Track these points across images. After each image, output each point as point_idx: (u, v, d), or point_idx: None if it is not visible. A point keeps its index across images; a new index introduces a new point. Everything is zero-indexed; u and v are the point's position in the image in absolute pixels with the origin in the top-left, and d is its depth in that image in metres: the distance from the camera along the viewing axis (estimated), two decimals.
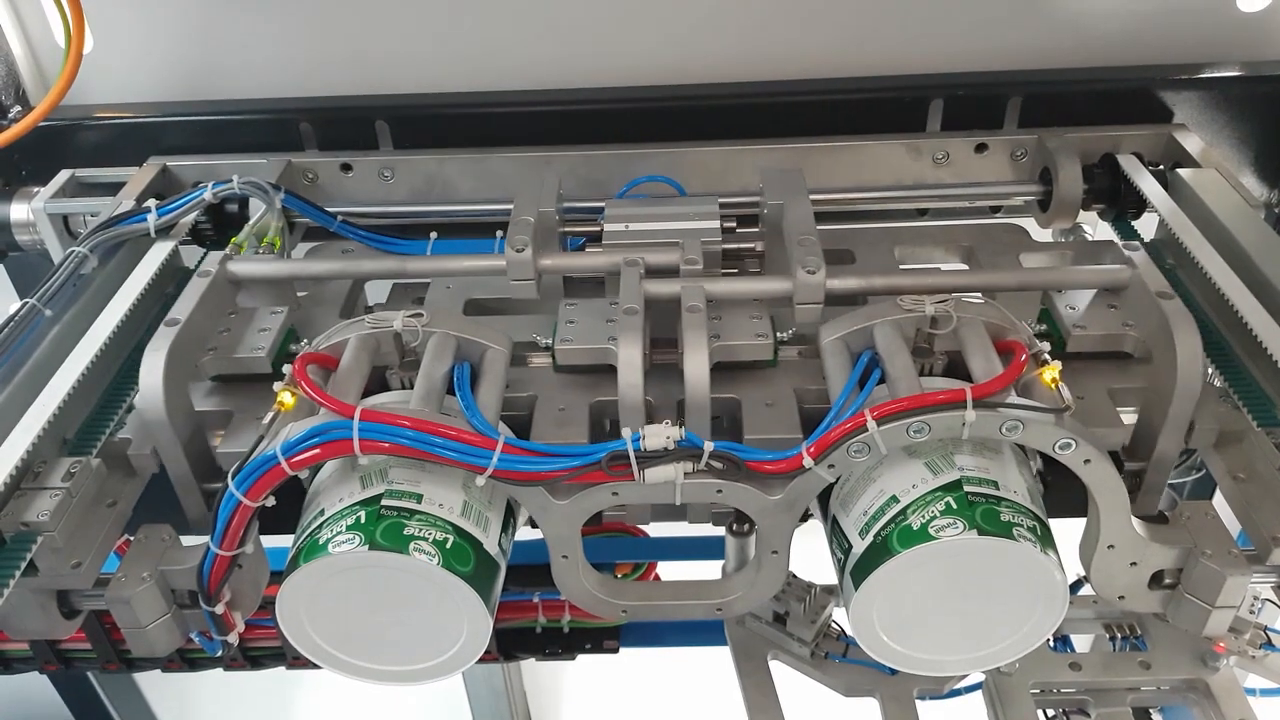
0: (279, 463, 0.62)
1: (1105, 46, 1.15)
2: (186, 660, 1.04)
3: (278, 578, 0.68)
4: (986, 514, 0.65)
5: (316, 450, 0.63)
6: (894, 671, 1.01)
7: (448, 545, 0.65)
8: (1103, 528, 0.69)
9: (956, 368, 0.75)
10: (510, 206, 0.90)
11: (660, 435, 0.65)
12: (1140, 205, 1.03)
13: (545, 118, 1.15)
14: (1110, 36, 1.15)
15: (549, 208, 0.90)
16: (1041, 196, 1.06)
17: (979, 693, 1.05)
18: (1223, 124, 1.12)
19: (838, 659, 1.06)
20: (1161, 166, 1.04)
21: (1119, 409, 0.79)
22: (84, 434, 0.80)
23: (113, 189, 1.06)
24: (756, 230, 0.94)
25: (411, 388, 0.72)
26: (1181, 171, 1.00)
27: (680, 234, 0.89)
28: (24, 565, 0.66)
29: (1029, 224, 1.07)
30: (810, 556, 0.87)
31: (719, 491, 0.67)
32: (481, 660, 0.73)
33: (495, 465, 0.63)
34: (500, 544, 0.71)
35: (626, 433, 0.65)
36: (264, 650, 1.05)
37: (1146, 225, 1.04)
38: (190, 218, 0.98)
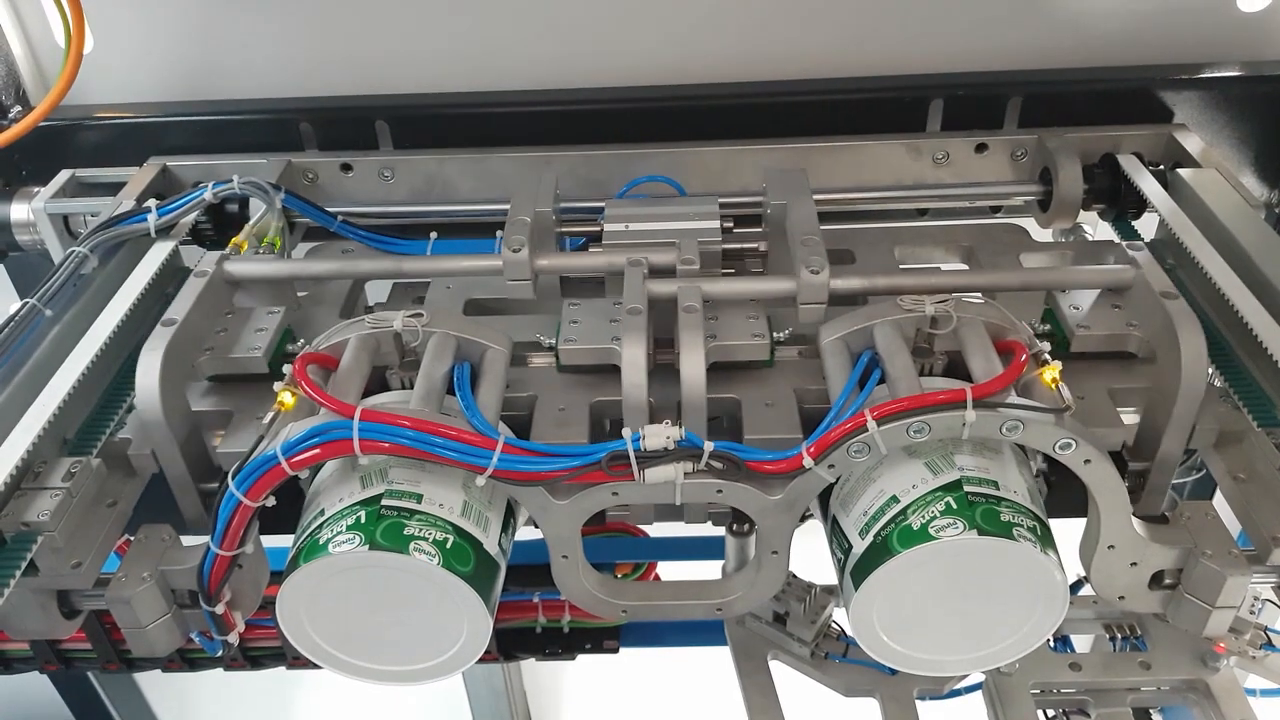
0: (279, 463, 0.62)
1: (1105, 46, 1.15)
2: (186, 660, 1.04)
3: (278, 578, 0.68)
4: (986, 514, 0.65)
5: (317, 450, 0.63)
6: (894, 671, 1.01)
7: (448, 545, 0.65)
8: (1103, 528, 0.69)
9: (956, 368, 0.75)
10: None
11: (660, 435, 0.65)
12: (1140, 205, 1.03)
13: (545, 118, 1.15)
14: (1110, 36, 1.15)
15: (546, 208, 0.90)
16: (1042, 196, 1.06)
17: (979, 693, 1.05)
18: (1223, 124, 1.12)
19: (838, 659, 1.06)
20: (1162, 166, 1.04)
21: (1123, 409, 0.79)
22: (84, 434, 0.80)
23: (113, 189, 1.06)
24: (760, 230, 0.94)
25: (411, 388, 0.72)
26: (1182, 171, 1.00)
27: (680, 234, 0.89)
28: (24, 565, 0.66)
29: (1029, 224, 1.07)
30: (810, 556, 0.87)
31: (719, 491, 0.67)
32: (481, 660, 0.73)
33: (495, 465, 0.63)
34: (500, 544, 0.71)
35: (626, 433, 0.65)
36: (264, 650, 1.05)
37: (1146, 225, 1.04)
38: (190, 218, 0.98)
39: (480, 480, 0.64)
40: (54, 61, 1.17)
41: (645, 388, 0.74)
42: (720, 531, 1.16)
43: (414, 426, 0.63)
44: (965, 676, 1.01)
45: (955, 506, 0.65)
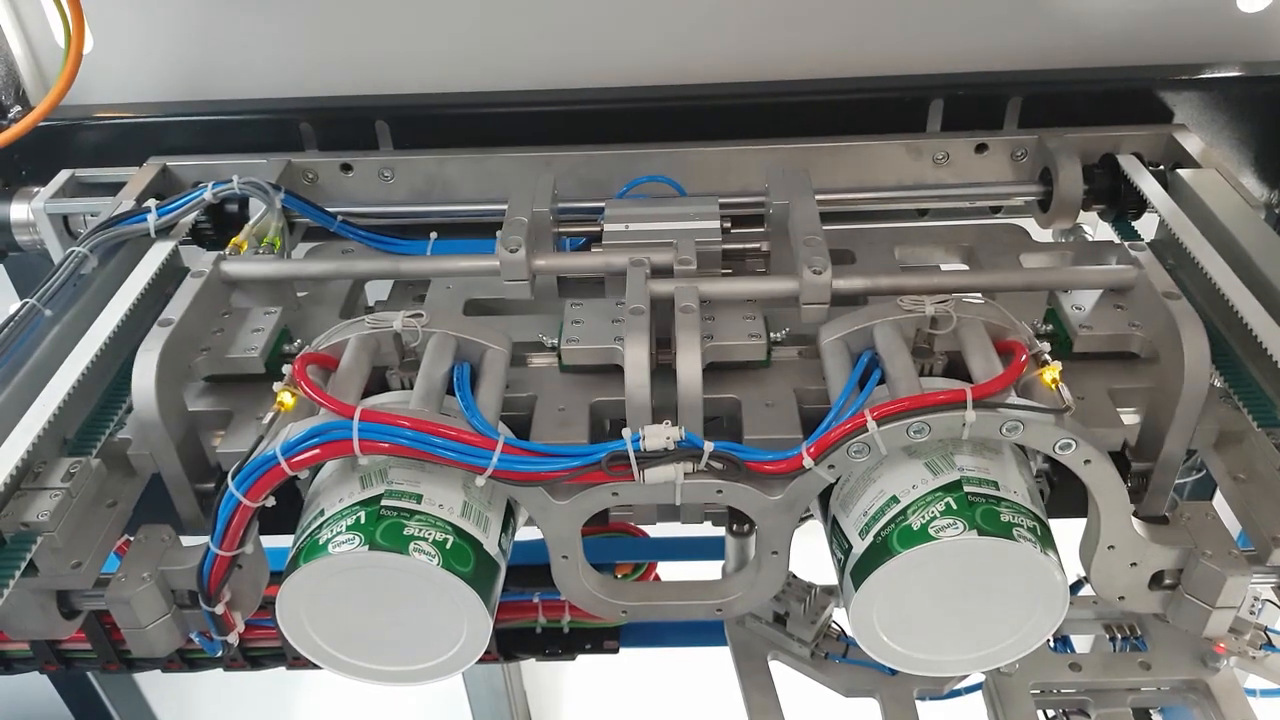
0: (279, 463, 0.62)
1: (1105, 46, 1.15)
2: (186, 660, 1.04)
3: (278, 578, 0.68)
4: (986, 514, 0.65)
5: (316, 450, 0.63)
6: (894, 672, 1.01)
7: (447, 545, 0.65)
8: (1103, 528, 0.69)
9: (957, 368, 0.75)
10: None
11: (660, 435, 0.65)
12: (1140, 206, 1.03)
13: (545, 118, 1.15)
14: (1110, 36, 1.15)
15: (543, 208, 0.90)
16: (1042, 197, 1.06)
17: (979, 693, 1.05)
18: (1223, 124, 1.12)
19: (838, 659, 1.06)
20: (1162, 167, 1.04)
21: (1125, 409, 0.79)
22: (84, 434, 0.80)
23: (113, 189, 1.06)
24: (762, 230, 0.94)
25: (411, 388, 0.72)
26: (1182, 172, 1.00)
27: (680, 234, 0.89)
28: (24, 565, 0.66)
29: (1029, 224, 1.07)
30: (810, 556, 0.87)
31: (719, 492, 0.67)
32: (481, 660, 0.73)
33: (495, 466, 0.63)
34: (500, 544, 0.71)
35: (626, 433, 0.65)
36: (264, 650, 1.05)
37: (1146, 226, 1.04)
38: (190, 218, 0.98)
39: (480, 481, 0.64)
40: (54, 61, 1.17)
41: (648, 388, 0.74)
42: (720, 532, 1.16)
43: (413, 427, 0.63)
44: (965, 676, 1.01)
45: (955, 507, 0.65)
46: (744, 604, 0.76)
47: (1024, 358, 0.69)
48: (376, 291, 1.06)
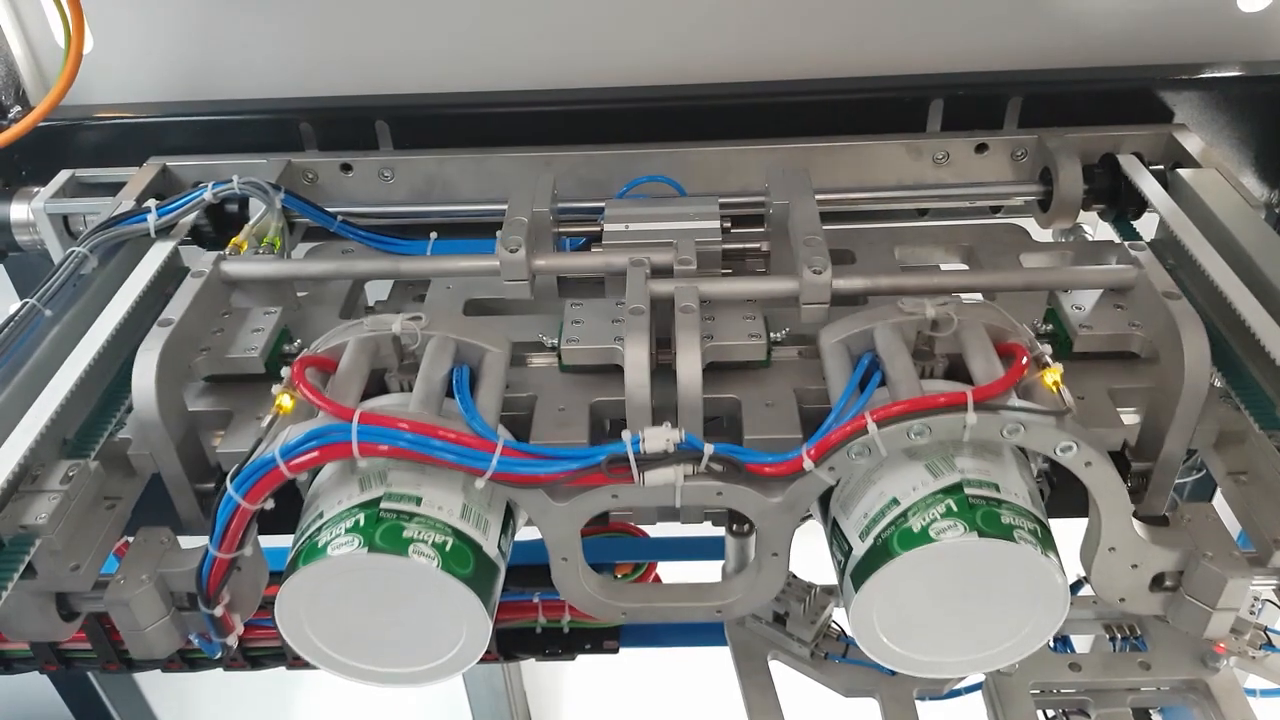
0: (278, 466, 0.62)
1: (1105, 46, 1.15)
2: (186, 660, 1.04)
3: (278, 578, 0.68)
4: (987, 516, 0.64)
5: (315, 453, 0.63)
6: (894, 672, 1.01)
7: (447, 548, 0.65)
8: (1104, 530, 0.69)
9: (957, 370, 0.75)
10: None
11: (660, 438, 0.64)
12: (1141, 205, 1.03)
13: (546, 118, 1.15)
14: (1110, 36, 1.15)
15: (543, 208, 0.91)
16: (1042, 196, 1.06)
17: (979, 693, 1.05)
18: (1223, 124, 1.12)
19: (838, 659, 1.06)
20: (1162, 167, 1.04)
21: (1125, 409, 0.79)
22: (84, 434, 0.80)
23: (113, 189, 1.06)
24: (762, 230, 0.94)
25: (410, 390, 0.72)
26: (1182, 172, 1.00)
27: (680, 234, 0.89)
28: (22, 568, 0.66)
29: (1029, 224, 1.07)
30: (810, 556, 0.87)
31: (719, 494, 0.67)
32: (481, 660, 0.73)
33: (494, 468, 0.63)
34: (500, 546, 0.70)
35: (626, 435, 0.65)
36: (264, 650, 1.05)
37: (1146, 225, 1.04)
38: (190, 218, 0.98)
39: (479, 483, 0.64)
40: (54, 61, 1.17)
41: (648, 388, 0.74)
42: (720, 532, 1.16)
43: (412, 429, 0.63)
44: (965, 677, 1.01)
45: (956, 509, 0.65)
46: (744, 606, 0.76)
47: (1025, 360, 0.69)
48: (376, 291, 1.06)
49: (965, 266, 1.02)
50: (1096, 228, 1.14)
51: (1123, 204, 1.04)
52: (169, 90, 1.20)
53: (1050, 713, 1.05)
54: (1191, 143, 1.05)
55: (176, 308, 0.82)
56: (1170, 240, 0.94)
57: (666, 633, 1.19)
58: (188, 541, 0.73)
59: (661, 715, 2.69)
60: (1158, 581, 0.73)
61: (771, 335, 0.82)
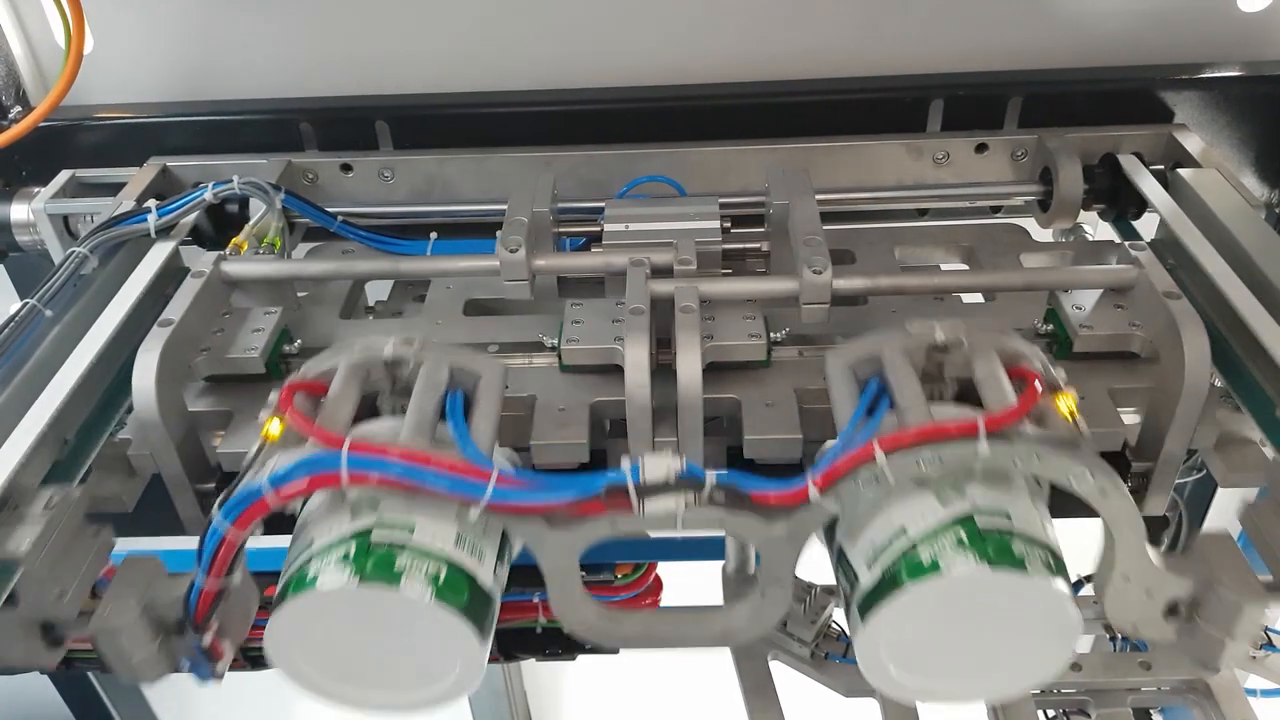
0: (266, 495, 0.61)
1: (1105, 46, 1.15)
2: None
3: (274, 578, 0.67)
4: (999, 547, 0.62)
5: (304, 483, 0.61)
6: None
7: (440, 579, 0.63)
8: (1118, 558, 0.66)
9: (967, 392, 0.73)
10: None
11: (661, 466, 0.62)
12: (1141, 205, 1.03)
13: (546, 118, 1.15)
14: (1110, 36, 1.15)
15: (543, 208, 0.91)
16: (1042, 196, 1.06)
17: None
18: (1223, 124, 1.12)
19: (838, 659, 1.06)
20: (1162, 167, 1.04)
21: (1125, 409, 0.79)
22: (84, 434, 0.80)
23: (113, 189, 1.06)
24: (762, 230, 0.94)
25: (403, 414, 0.70)
26: (1182, 172, 1.00)
27: (680, 234, 0.89)
28: (4, 597, 0.64)
29: (1029, 224, 1.07)
30: (810, 556, 0.87)
31: (721, 523, 0.65)
32: None
33: (489, 498, 0.61)
34: (496, 572, 0.68)
35: (625, 463, 0.63)
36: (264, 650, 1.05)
37: (1147, 225, 1.04)
38: (190, 218, 0.98)
39: (473, 514, 0.62)
40: (54, 61, 1.17)
41: (649, 389, 0.74)
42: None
43: (404, 459, 0.61)
44: None
45: (966, 539, 0.63)
46: (747, 634, 0.72)
47: (1037, 386, 0.67)
48: (376, 291, 1.06)
49: (965, 266, 1.02)
50: (1096, 228, 1.14)
51: (1123, 204, 1.04)
52: (169, 90, 1.20)
53: (1050, 713, 1.05)
54: (1192, 143, 1.05)
55: (177, 308, 0.82)
56: (1170, 240, 0.94)
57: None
58: (188, 542, 0.73)
59: (662, 715, 2.69)
60: (1172, 609, 0.69)
61: (771, 335, 0.82)
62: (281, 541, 0.70)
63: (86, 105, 1.16)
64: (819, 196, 0.92)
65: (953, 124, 1.12)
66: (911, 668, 0.67)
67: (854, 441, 0.64)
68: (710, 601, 1.17)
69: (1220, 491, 1.43)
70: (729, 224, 0.93)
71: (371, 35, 1.17)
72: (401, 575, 0.62)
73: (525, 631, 1.09)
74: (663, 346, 0.80)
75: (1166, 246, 0.96)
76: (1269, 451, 0.81)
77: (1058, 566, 0.65)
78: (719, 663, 1.12)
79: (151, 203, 0.95)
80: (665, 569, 1.17)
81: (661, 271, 0.85)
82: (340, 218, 1.02)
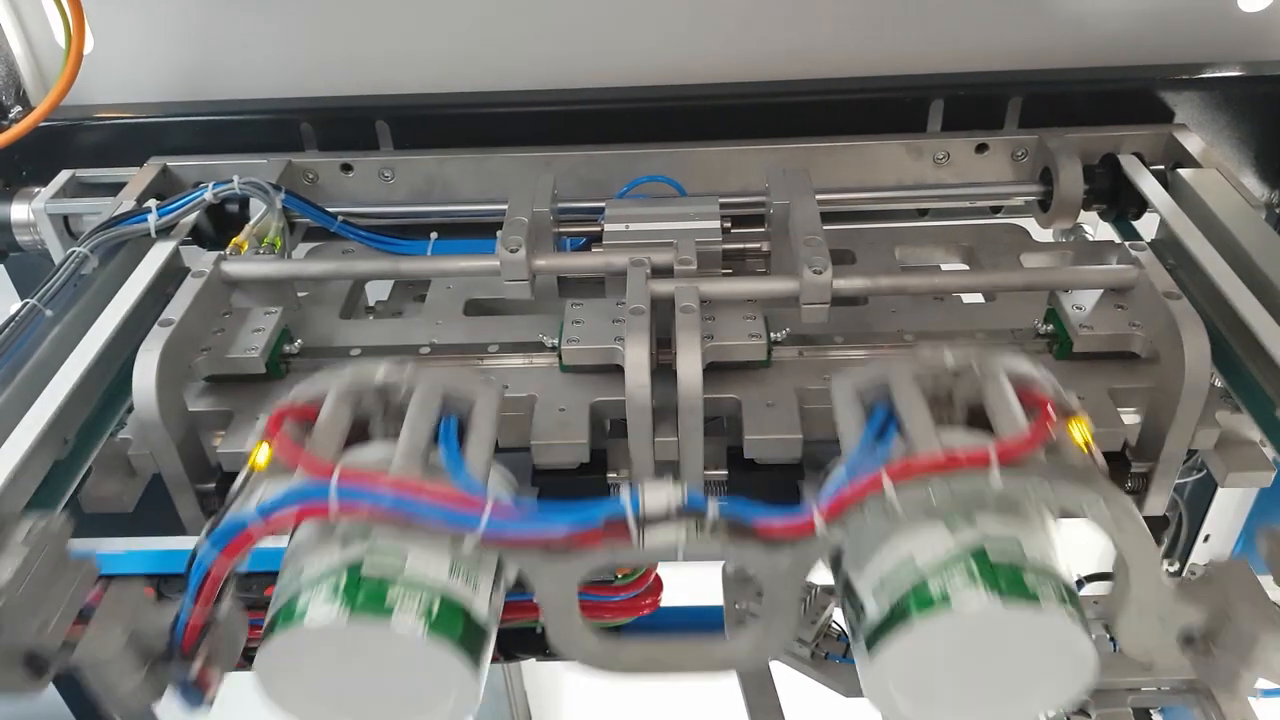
0: (253, 527, 0.59)
1: (1106, 46, 1.15)
2: None
3: (273, 578, 0.66)
4: (1011, 579, 0.60)
5: (292, 514, 0.60)
6: None
7: (434, 611, 0.61)
8: (1133, 588, 0.64)
9: (977, 416, 0.70)
10: None
11: (661, 496, 0.60)
12: (1141, 205, 1.03)
13: (546, 118, 1.15)
14: (1111, 36, 1.15)
15: (543, 208, 0.91)
16: (1042, 197, 1.06)
17: None
18: (1224, 124, 1.12)
19: (838, 659, 1.06)
20: (1162, 167, 1.04)
21: (1125, 409, 0.79)
22: (84, 434, 0.80)
23: (113, 189, 1.06)
24: (762, 230, 0.94)
25: (396, 438, 0.67)
26: (1182, 172, 1.00)
27: (680, 234, 0.89)
28: None
29: (1029, 224, 1.07)
30: None
31: (723, 554, 0.63)
32: None
33: (484, 530, 0.59)
34: (491, 601, 0.66)
35: (625, 494, 0.61)
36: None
37: (1147, 226, 1.04)
38: (191, 218, 0.98)
39: (467, 546, 0.60)
40: (54, 61, 1.17)
41: (649, 388, 0.74)
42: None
43: (395, 489, 0.60)
44: None
45: (977, 571, 0.60)
46: (749, 663, 0.69)
47: (1051, 414, 0.64)
48: (377, 291, 1.06)
49: (965, 266, 1.02)
50: (1097, 228, 1.14)
51: (1123, 204, 1.04)
52: (169, 90, 1.20)
53: (1051, 713, 1.05)
54: (1192, 143, 1.05)
55: (177, 308, 0.82)
56: (1171, 240, 0.94)
57: (667, 632, 1.19)
58: (188, 542, 0.73)
59: (662, 715, 2.69)
60: (1188, 638, 0.67)
61: (771, 335, 0.82)
62: (280, 541, 0.69)
63: (87, 105, 1.16)
64: (819, 196, 0.92)
65: (953, 124, 1.12)
66: (919, 698, 0.65)
67: (861, 470, 0.62)
68: (710, 601, 1.18)
69: (1220, 491, 1.44)
70: (729, 224, 0.93)
71: (371, 35, 1.17)
72: (393, 609, 0.59)
73: (525, 631, 1.08)
74: (663, 346, 0.80)
75: (1167, 246, 0.96)
76: (1269, 451, 0.81)
77: (1071, 598, 0.62)
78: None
79: (152, 203, 0.95)
80: (665, 569, 1.17)
81: (662, 271, 0.85)
82: (340, 218, 1.02)
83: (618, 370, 0.77)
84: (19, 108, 1.18)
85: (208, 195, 0.95)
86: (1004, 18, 1.15)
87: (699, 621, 1.19)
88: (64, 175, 1.08)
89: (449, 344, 0.88)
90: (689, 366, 0.74)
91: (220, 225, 1.03)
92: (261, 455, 0.66)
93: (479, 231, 1.11)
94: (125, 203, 1.00)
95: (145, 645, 0.65)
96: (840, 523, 0.61)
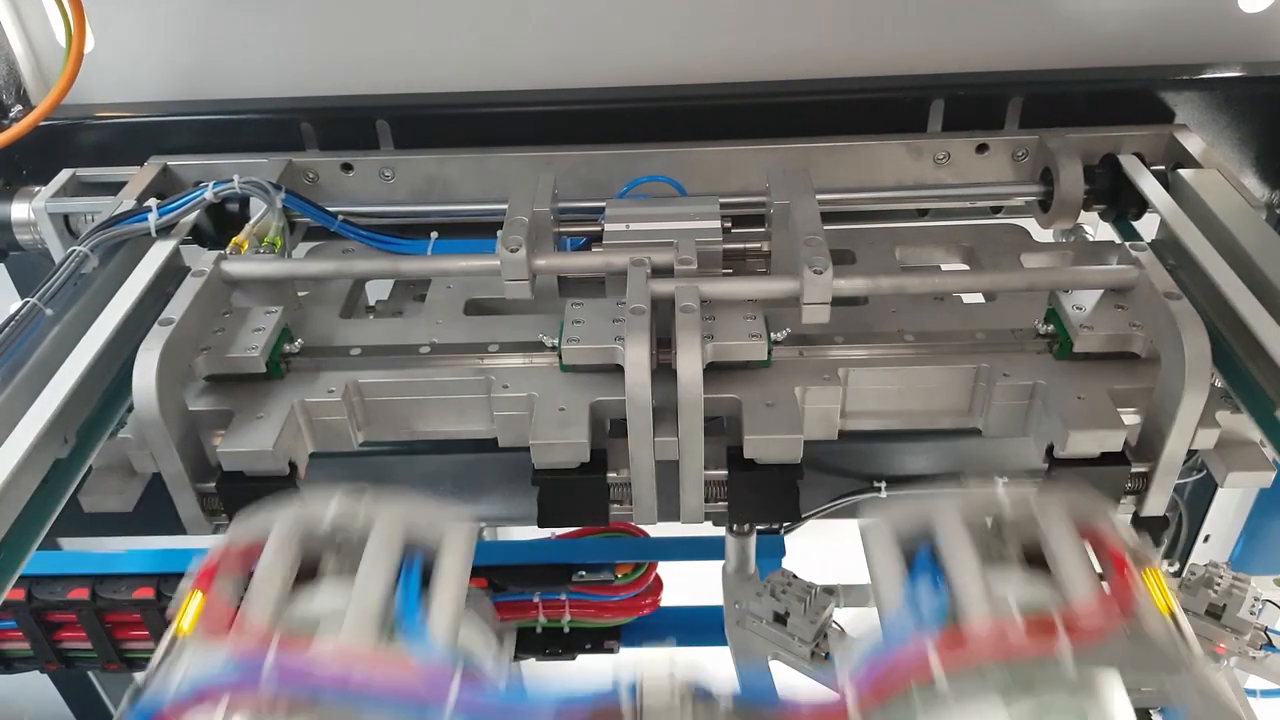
0: (173, 711, 0.51)
1: (1106, 46, 1.15)
2: None
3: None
4: None
5: (221, 699, 0.51)
6: None
7: None
8: None
9: (1033, 552, 0.61)
10: None
11: (663, 687, 0.52)
12: (1141, 206, 1.03)
13: (545, 118, 1.15)
14: (1111, 36, 1.15)
15: (544, 208, 0.91)
16: (1042, 197, 1.06)
17: None
18: (1224, 124, 1.12)
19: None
20: (1163, 167, 1.04)
21: (1126, 409, 0.79)
22: (84, 433, 0.80)
23: (114, 188, 1.06)
24: (762, 230, 0.94)
25: (351, 574, 0.59)
26: (1183, 172, 1.00)
27: (680, 234, 0.89)
28: None
29: (1030, 224, 1.07)
30: (811, 556, 0.87)
31: None
32: None
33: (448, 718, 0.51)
34: None
35: (622, 681, 0.53)
36: None
37: (1147, 226, 1.04)
38: (191, 217, 0.98)
39: None
40: (54, 61, 1.17)
41: (649, 388, 0.74)
42: (720, 532, 1.16)
43: (340, 672, 0.52)
44: None
45: None
46: None
47: (1128, 575, 0.56)
48: (377, 291, 1.06)
49: (966, 266, 1.02)
50: (1097, 228, 1.14)
51: (1123, 204, 1.04)
52: (169, 90, 1.20)
53: None
54: (1192, 143, 1.05)
55: (177, 307, 0.82)
56: (1171, 240, 0.94)
57: (667, 632, 1.19)
58: (188, 541, 0.72)
59: None
60: None
61: (772, 335, 0.82)
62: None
63: (87, 104, 1.16)
64: (819, 196, 0.92)
65: (953, 124, 1.12)
66: None
67: (903, 643, 0.54)
68: (710, 601, 1.18)
69: (1220, 491, 1.44)
70: (729, 224, 0.93)
71: (371, 35, 1.17)
72: None
73: (525, 631, 1.09)
74: (663, 346, 0.80)
75: (1167, 247, 0.96)
76: (1269, 451, 0.81)
77: None
78: (719, 663, 1.12)
79: (152, 202, 0.95)
80: (665, 569, 1.17)
81: (662, 271, 0.85)
82: (341, 217, 1.02)
83: (618, 370, 0.77)
84: (19, 107, 1.18)
85: (208, 194, 0.95)
86: (1004, 18, 1.15)
87: (699, 622, 1.20)
88: (64, 174, 1.08)
89: (449, 344, 0.88)
90: (689, 366, 0.74)
91: (220, 224, 1.03)
92: (191, 610, 0.57)
93: (479, 231, 1.11)
94: (125, 202, 1.00)
95: None
96: (881, 710, 0.52)
